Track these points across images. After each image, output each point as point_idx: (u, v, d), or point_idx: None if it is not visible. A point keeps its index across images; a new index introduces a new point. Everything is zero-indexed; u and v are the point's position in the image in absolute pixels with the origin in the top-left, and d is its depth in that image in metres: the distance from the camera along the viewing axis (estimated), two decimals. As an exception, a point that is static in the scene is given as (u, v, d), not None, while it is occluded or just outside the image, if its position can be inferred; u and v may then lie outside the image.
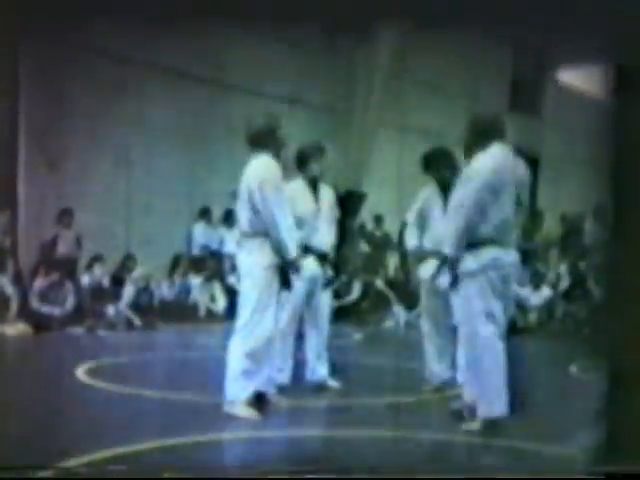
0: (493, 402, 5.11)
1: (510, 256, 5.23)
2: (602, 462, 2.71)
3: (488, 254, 5.14)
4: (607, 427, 2.66)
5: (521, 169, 5.33)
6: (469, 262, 5.16)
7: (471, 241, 5.15)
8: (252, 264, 5.59)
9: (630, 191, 2.67)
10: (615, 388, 2.67)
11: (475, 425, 5.12)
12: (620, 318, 2.69)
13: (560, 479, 3.63)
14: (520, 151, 5.42)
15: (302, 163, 6.69)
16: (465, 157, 5.44)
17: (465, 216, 5.11)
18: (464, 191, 5.18)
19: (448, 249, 5.18)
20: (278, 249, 5.56)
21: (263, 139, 5.69)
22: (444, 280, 5.37)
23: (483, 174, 5.11)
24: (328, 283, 6.75)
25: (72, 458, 4.16)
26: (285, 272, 5.61)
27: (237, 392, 5.50)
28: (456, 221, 5.17)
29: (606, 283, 2.82)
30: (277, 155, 5.72)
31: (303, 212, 6.54)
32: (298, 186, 6.66)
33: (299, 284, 6.38)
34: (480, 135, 5.26)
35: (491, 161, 5.15)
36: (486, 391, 5.12)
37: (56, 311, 11.08)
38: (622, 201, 2.75)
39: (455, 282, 5.17)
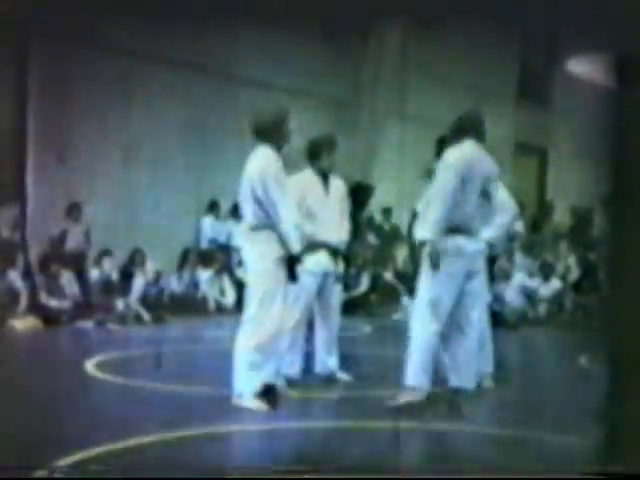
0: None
1: (475, 245, 5.67)
2: (603, 462, 2.69)
3: (453, 242, 5.56)
4: (608, 426, 2.64)
5: (489, 165, 5.76)
6: None
7: None
8: (258, 257, 5.58)
9: (636, 183, 2.65)
10: (616, 386, 2.65)
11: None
12: (623, 312, 2.67)
13: (560, 479, 3.62)
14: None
15: (313, 155, 6.64)
16: (440, 151, 6.01)
17: (442, 203, 5.52)
18: (440, 180, 5.62)
19: (429, 235, 5.57)
20: (283, 241, 5.55)
21: (267, 131, 5.68)
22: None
23: (455, 165, 5.58)
24: (339, 278, 6.73)
25: (81, 452, 4.17)
26: (291, 265, 5.60)
27: (245, 385, 5.51)
28: (435, 208, 5.55)
29: (609, 275, 2.80)
30: (279, 148, 5.71)
31: (312, 204, 6.52)
32: (308, 177, 6.63)
33: (310, 279, 6.38)
34: (457, 132, 5.79)
35: (460, 154, 5.64)
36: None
37: (65, 305, 11.11)
38: (629, 193, 2.72)
39: (436, 267, 5.54)
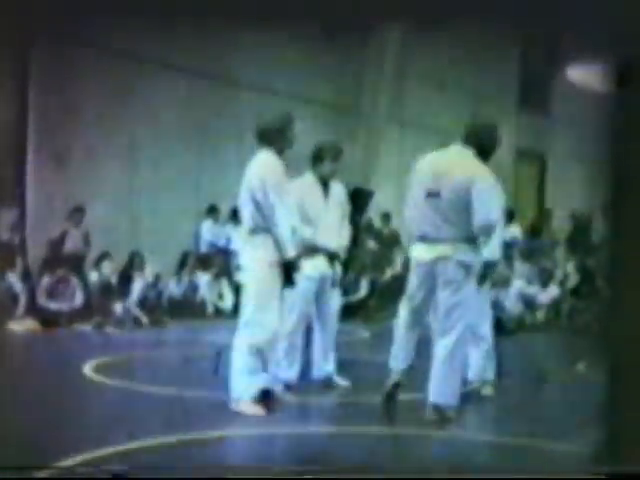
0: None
1: (432, 253, 5.39)
2: (603, 462, 2.70)
3: (412, 250, 5.60)
4: (609, 427, 2.65)
5: (439, 166, 5.46)
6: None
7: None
8: (254, 260, 5.59)
9: (635, 189, 2.65)
10: (616, 388, 2.65)
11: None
12: (622, 317, 2.67)
13: (560, 479, 3.62)
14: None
15: (316, 160, 6.64)
16: None
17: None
18: None
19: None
20: (279, 246, 5.55)
21: (271, 135, 5.69)
22: None
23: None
24: (336, 283, 6.71)
25: (79, 455, 4.17)
26: (288, 270, 5.60)
27: (243, 389, 5.51)
28: None
29: (608, 281, 2.80)
30: (281, 153, 5.71)
31: (311, 208, 6.52)
32: (307, 182, 6.63)
33: (307, 284, 6.37)
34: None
35: (420, 161, 5.61)
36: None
37: (64, 308, 11.11)
38: (628, 199, 2.73)
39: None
